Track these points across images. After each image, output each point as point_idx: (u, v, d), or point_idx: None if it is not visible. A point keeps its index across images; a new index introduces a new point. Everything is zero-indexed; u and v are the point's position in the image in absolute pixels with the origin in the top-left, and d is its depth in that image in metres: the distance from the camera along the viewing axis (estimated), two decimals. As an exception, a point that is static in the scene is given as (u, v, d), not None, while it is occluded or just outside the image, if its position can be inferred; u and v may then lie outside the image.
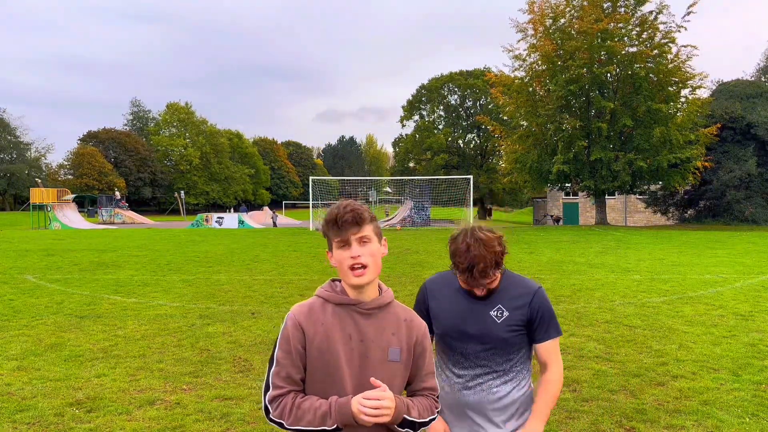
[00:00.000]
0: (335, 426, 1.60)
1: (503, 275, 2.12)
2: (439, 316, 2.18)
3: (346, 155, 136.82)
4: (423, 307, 2.24)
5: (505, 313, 2.08)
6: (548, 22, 33.95)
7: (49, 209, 36.76)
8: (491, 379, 2.14)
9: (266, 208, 51.48)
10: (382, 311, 1.74)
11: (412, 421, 1.68)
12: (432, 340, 2.17)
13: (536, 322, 2.11)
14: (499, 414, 2.14)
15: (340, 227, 1.69)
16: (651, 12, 32.94)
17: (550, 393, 2.13)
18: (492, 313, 2.08)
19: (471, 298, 2.12)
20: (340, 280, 1.78)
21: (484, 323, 2.09)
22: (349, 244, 1.69)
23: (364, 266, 1.68)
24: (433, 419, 1.77)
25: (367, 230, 1.70)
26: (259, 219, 42.49)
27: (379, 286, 1.78)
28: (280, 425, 1.65)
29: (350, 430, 1.62)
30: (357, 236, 1.69)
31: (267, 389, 1.69)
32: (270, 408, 1.67)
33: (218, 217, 37.30)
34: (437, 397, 1.83)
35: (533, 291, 2.11)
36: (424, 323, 1.81)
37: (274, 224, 40.94)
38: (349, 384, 1.66)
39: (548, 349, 2.14)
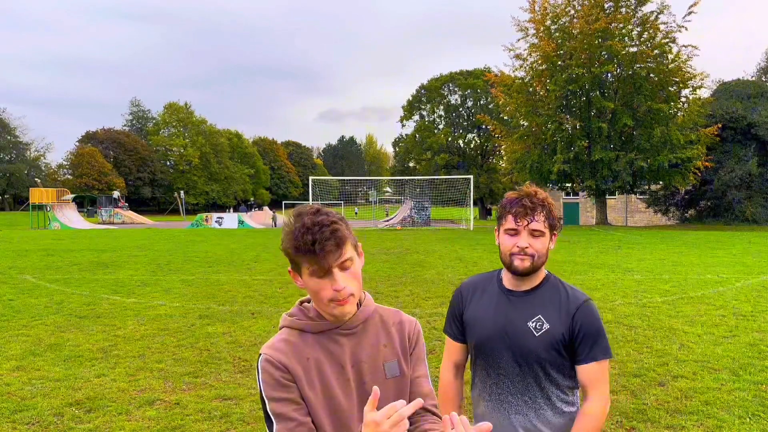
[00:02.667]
0: None
1: (549, 280, 1.89)
2: (474, 324, 1.92)
3: (346, 155, 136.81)
4: (457, 313, 2.00)
5: (545, 326, 1.81)
6: (549, 21, 33.96)
7: (48, 209, 36.75)
8: (530, 401, 1.85)
9: (266, 209, 51.53)
10: (367, 324, 1.47)
11: None
12: (470, 352, 1.98)
13: (578, 339, 1.80)
14: None
15: (318, 254, 1.31)
16: (652, 12, 32.95)
17: (592, 420, 1.77)
18: (531, 324, 1.82)
19: (510, 303, 1.87)
20: (309, 300, 1.48)
21: (520, 335, 1.83)
22: (330, 273, 1.34)
23: (351, 294, 1.37)
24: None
25: (349, 251, 1.36)
26: (258, 219, 42.49)
27: None
28: None
29: None
30: (338, 262, 1.34)
31: None
32: None
33: (218, 217, 37.31)
34: (437, 405, 1.55)
35: (579, 302, 1.84)
36: (415, 321, 1.55)
37: (274, 224, 40.95)
38: (356, 425, 1.37)
39: (591, 373, 1.79)
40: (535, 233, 1.79)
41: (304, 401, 1.36)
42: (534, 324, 1.82)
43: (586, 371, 1.81)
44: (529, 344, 1.81)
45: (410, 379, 1.50)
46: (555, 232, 1.85)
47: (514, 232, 1.81)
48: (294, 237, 1.33)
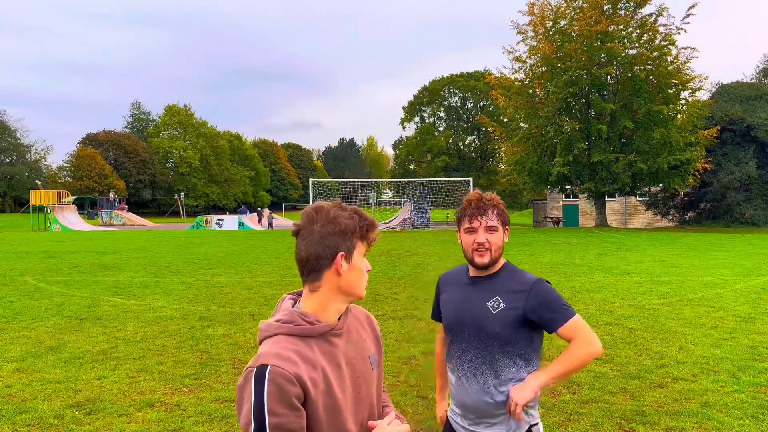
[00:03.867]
0: None
1: (505, 267, 2.13)
2: (445, 307, 2.21)
3: (346, 157, 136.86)
4: (436, 300, 2.32)
5: (502, 305, 2.03)
6: (548, 23, 34.03)
7: (49, 211, 36.77)
8: (488, 378, 2.05)
9: (266, 210, 51.50)
10: (347, 323, 1.56)
11: None
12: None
13: (539, 313, 2.01)
14: (493, 417, 2.06)
15: (376, 230, 1.54)
16: (651, 14, 33.04)
17: (568, 353, 1.98)
18: (489, 304, 2.05)
19: (473, 288, 2.12)
20: (294, 301, 1.53)
21: (479, 313, 2.06)
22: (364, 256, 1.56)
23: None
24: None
25: (362, 247, 1.53)
26: (255, 221, 42.45)
27: None
28: None
29: None
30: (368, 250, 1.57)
31: None
32: None
33: (218, 219, 37.32)
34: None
35: (531, 282, 2.05)
36: (371, 315, 1.71)
37: (270, 225, 40.98)
38: (351, 420, 1.46)
39: (566, 333, 2.01)
40: (490, 229, 2.06)
41: (307, 406, 1.37)
42: (492, 304, 2.05)
43: (562, 334, 2.02)
44: (486, 321, 2.05)
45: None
46: (507, 227, 2.13)
47: (472, 231, 2.08)
48: (360, 219, 1.50)
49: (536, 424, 2.07)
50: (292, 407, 1.33)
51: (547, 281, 2.10)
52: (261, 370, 1.33)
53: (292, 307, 1.50)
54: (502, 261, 2.13)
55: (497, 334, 2.02)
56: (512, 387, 2.01)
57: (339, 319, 1.51)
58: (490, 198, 2.10)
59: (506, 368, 2.04)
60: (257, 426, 1.30)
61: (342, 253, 1.46)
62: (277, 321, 1.46)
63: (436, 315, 2.32)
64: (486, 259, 2.06)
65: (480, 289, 2.10)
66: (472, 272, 2.16)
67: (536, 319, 2.02)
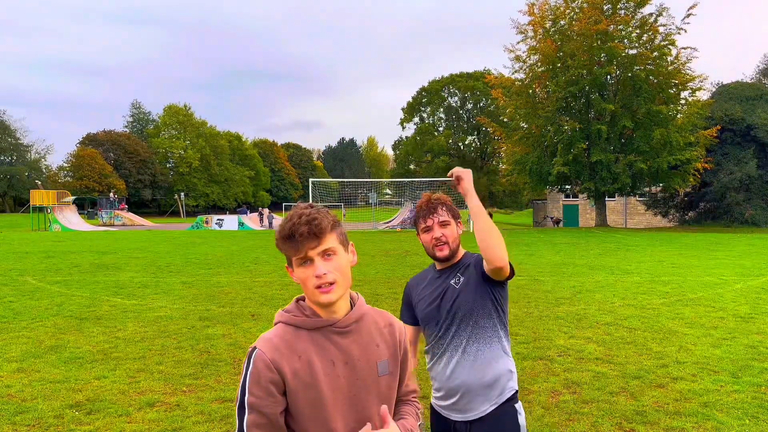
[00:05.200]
0: None
1: (465, 255, 2.35)
2: (419, 305, 2.37)
3: (346, 157, 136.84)
4: (407, 302, 2.45)
5: (462, 278, 2.27)
6: (548, 23, 34.02)
7: (49, 211, 36.77)
8: (468, 351, 2.22)
9: (266, 210, 51.50)
10: (360, 324, 1.56)
11: None
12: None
13: (481, 266, 2.24)
14: (479, 395, 2.21)
15: (297, 242, 1.46)
16: (651, 14, 33.02)
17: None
18: (452, 281, 2.28)
19: (440, 277, 2.32)
20: (303, 299, 1.58)
21: (448, 294, 2.26)
22: (311, 260, 1.47)
23: (331, 283, 1.47)
24: (421, 425, 1.69)
25: (330, 241, 1.49)
26: (255, 221, 42.50)
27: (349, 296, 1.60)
28: None
29: None
30: (318, 250, 1.47)
31: None
32: None
33: (218, 219, 37.33)
34: (417, 396, 1.74)
35: (478, 254, 2.29)
36: (400, 323, 1.72)
37: (270, 225, 41.03)
38: (340, 420, 1.47)
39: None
40: (443, 224, 2.28)
41: (287, 395, 1.45)
42: (454, 281, 2.29)
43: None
44: (452, 296, 2.26)
45: (402, 378, 1.64)
46: (458, 220, 2.35)
47: (428, 229, 2.29)
48: (280, 228, 1.51)
49: (517, 401, 2.27)
50: (267, 392, 1.42)
51: None
52: (251, 352, 1.47)
53: (304, 300, 1.56)
54: (462, 251, 2.36)
55: (464, 302, 2.23)
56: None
57: (344, 318, 1.53)
58: (438, 197, 2.33)
59: (484, 333, 2.23)
60: (239, 401, 1.45)
61: (286, 265, 1.57)
62: (284, 310, 1.56)
63: (409, 318, 2.43)
64: (446, 252, 2.27)
65: (446, 277, 2.32)
66: (438, 266, 2.36)
67: (483, 271, 2.23)
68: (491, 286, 2.26)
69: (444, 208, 2.29)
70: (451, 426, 2.27)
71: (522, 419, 2.25)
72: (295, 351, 1.46)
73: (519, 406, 2.27)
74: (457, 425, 2.25)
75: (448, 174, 2.31)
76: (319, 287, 1.47)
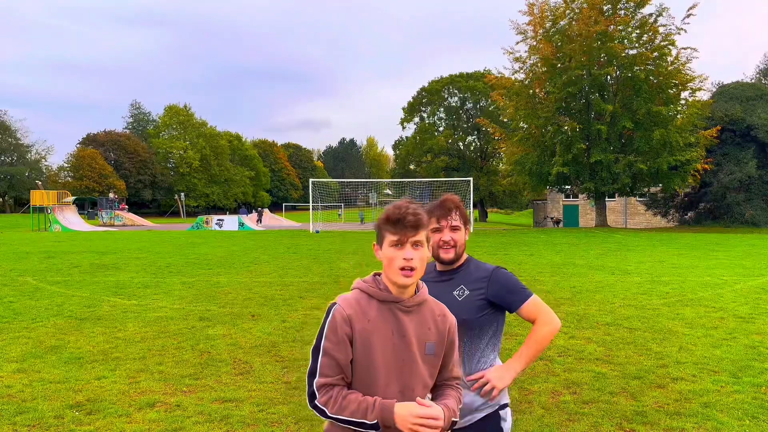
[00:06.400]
0: (375, 421, 1.68)
1: (468, 261, 2.37)
2: None
3: (346, 157, 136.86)
4: None
5: (466, 292, 2.26)
6: (548, 24, 34.02)
7: (49, 211, 36.77)
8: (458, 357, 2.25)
9: (266, 210, 51.54)
10: (420, 307, 1.83)
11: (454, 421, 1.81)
12: None
13: (501, 296, 2.26)
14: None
15: (401, 228, 1.75)
16: (651, 14, 33.03)
17: (534, 335, 2.23)
18: (455, 293, 2.27)
19: (441, 281, 2.32)
20: (380, 275, 1.85)
21: (447, 303, 2.21)
22: (403, 245, 1.76)
23: (413, 269, 1.75)
24: (461, 407, 1.90)
25: (422, 235, 1.78)
26: (255, 221, 42.51)
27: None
28: (322, 413, 1.73)
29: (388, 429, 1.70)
30: (413, 239, 1.76)
31: (313, 375, 1.75)
32: (317, 394, 1.73)
33: (218, 220, 37.34)
34: (460, 384, 1.95)
35: (490, 270, 2.30)
36: (453, 317, 1.92)
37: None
38: (383, 381, 1.73)
39: (527, 312, 2.26)
40: (454, 228, 2.30)
41: (353, 345, 1.73)
42: (457, 292, 2.27)
43: (523, 312, 2.27)
44: (454, 308, 2.18)
45: (446, 364, 1.88)
46: (468, 226, 2.38)
47: (438, 230, 2.31)
48: (388, 211, 1.79)
49: (506, 404, 2.30)
50: (339, 340, 1.72)
51: (505, 268, 2.35)
52: (330, 306, 1.79)
53: (380, 276, 1.85)
54: (465, 256, 2.38)
55: (464, 321, 2.20)
56: (489, 370, 2.24)
57: (409, 299, 1.80)
58: (453, 201, 2.35)
59: (475, 352, 2.26)
60: (316, 344, 1.76)
61: (374, 242, 1.87)
62: (363, 279, 1.86)
63: None
64: (451, 255, 2.30)
65: (446, 281, 2.32)
66: (439, 267, 2.38)
67: (499, 302, 2.26)
68: (496, 312, 2.29)
69: (458, 213, 2.32)
70: None
71: (506, 425, 2.27)
72: (366, 314, 1.76)
73: (505, 412, 2.28)
74: None
75: (483, 391, 2.22)
76: (403, 269, 1.75)
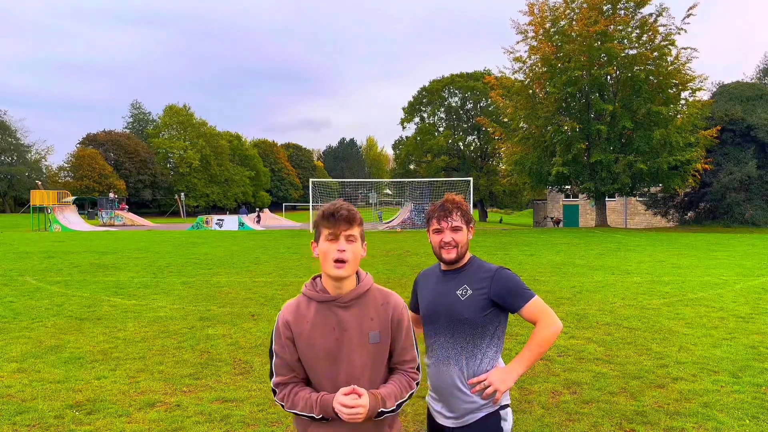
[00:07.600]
0: (321, 416, 1.88)
1: (471, 261, 2.38)
2: (421, 300, 2.45)
3: (346, 157, 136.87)
4: (414, 292, 2.56)
5: (469, 291, 2.28)
6: (548, 24, 34.00)
7: (49, 211, 36.75)
8: (460, 361, 2.27)
9: (266, 211, 51.54)
10: (360, 300, 1.96)
11: (391, 409, 1.92)
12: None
13: (503, 296, 2.27)
14: (462, 396, 2.26)
15: (334, 221, 1.90)
16: (651, 14, 32.99)
17: (536, 337, 2.24)
18: (458, 292, 2.29)
19: (444, 280, 2.35)
20: (320, 277, 2.00)
21: (450, 301, 2.29)
22: (337, 238, 1.90)
23: (344, 261, 1.89)
24: (413, 393, 2.00)
25: (355, 230, 1.93)
26: (263, 222, 42.55)
27: (357, 274, 2.00)
28: (282, 407, 1.98)
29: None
30: (346, 233, 1.90)
31: (271, 375, 2.00)
32: (276, 391, 1.99)
33: (218, 219, 37.33)
34: (417, 367, 2.04)
35: (493, 270, 2.31)
36: (401, 300, 2.02)
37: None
38: (329, 372, 1.92)
39: (530, 312, 2.27)
40: (455, 229, 2.32)
41: (296, 348, 1.94)
42: (461, 291, 2.29)
43: (524, 313, 2.28)
44: (456, 307, 2.28)
45: (395, 348, 2.00)
46: (471, 226, 2.39)
47: (439, 231, 2.34)
48: (324, 209, 1.93)
49: (507, 405, 2.31)
50: (283, 343, 1.95)
51: (508, 268, 2.35)
52: (279, 313, 2.00)
53: (320, 278, 2.00)
54: (468, 255, 2.39)
55: (467, 320, 2.25)
56: (491, 372, 2.25)
57: (346, 295, 1.94)
58: (455, 201, 2.37)
59: (477, 351, 2.27)
60: (270, 347, 2.00)
61: (312, 241, 2.00)
62: (306, 284, 2.02)
63: (414, 307, 2.55)
64: (452, 255, 2.31)
65: (450, 281, 2.34)
66: (443, 267, 2.41)
67: (500, 302, 2.27)
68: (498, 312, 2.30)
69: (459, 213, 2.33)
70: (440, 427, 2.35)
71: (506, 425, 2.28)
72: (305, 317, 1.94)
73: (505, 412, 2.29)
74: (446, 429, 2.32)
75: (485, 394, 2.23)
76: (336, 261, 1.88)
